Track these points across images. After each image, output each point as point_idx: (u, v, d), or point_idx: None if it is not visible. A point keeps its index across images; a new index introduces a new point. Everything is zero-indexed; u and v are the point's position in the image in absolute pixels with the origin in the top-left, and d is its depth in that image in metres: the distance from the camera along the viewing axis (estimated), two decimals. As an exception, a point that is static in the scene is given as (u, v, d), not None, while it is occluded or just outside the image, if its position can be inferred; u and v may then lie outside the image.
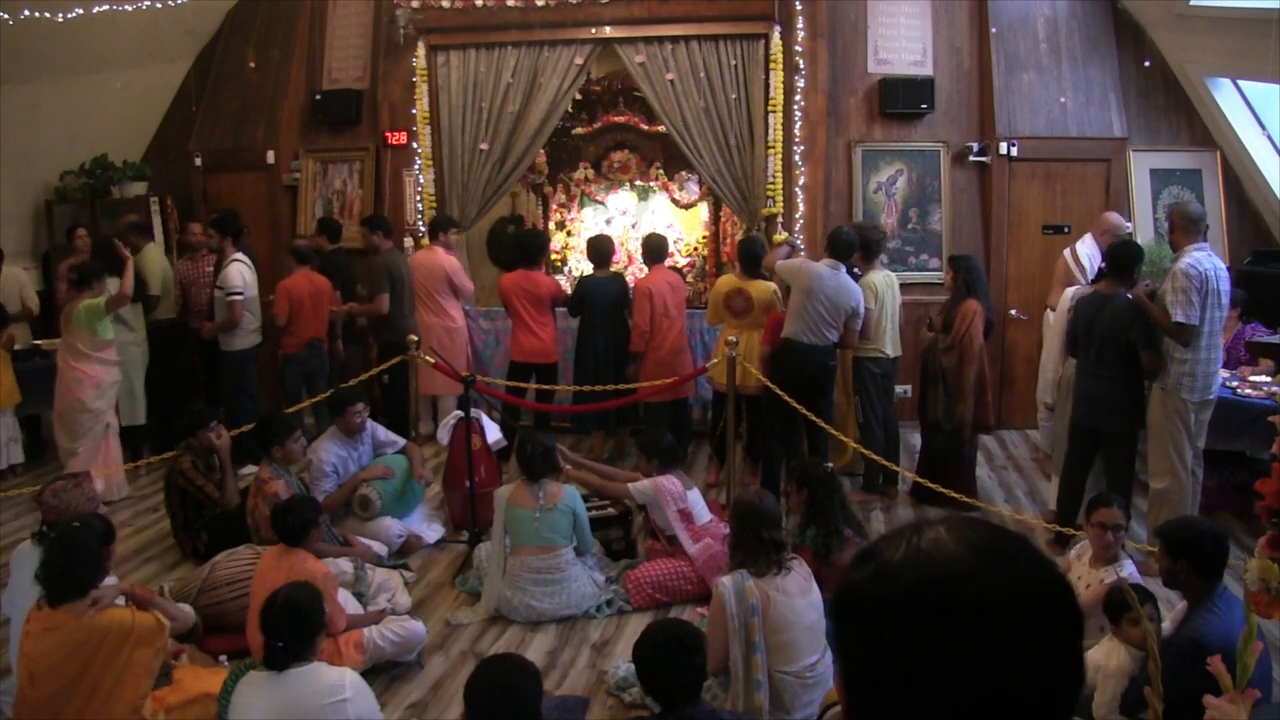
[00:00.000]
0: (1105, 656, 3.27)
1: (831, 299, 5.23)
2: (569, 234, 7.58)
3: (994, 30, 6.97)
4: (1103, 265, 5.04)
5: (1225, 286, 4.50)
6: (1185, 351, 4.48)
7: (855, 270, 5.70)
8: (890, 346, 5.59)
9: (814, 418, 5.25)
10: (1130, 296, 4.69)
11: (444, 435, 5.67)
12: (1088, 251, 5.91)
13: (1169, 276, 4.53)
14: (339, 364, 6.80)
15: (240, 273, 6.26)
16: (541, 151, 7.21)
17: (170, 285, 6.72)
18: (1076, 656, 0.86)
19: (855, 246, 5.50)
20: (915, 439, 5.94)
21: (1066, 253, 6.02)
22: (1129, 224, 6.81)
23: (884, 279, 5.54)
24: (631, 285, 6.51)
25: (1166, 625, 3.28)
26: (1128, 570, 3.60)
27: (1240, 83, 6.53)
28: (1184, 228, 4.57)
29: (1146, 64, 6.89)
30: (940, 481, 5.11)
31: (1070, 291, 5.39)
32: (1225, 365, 5.40)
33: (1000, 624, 0.81)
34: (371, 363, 6.66)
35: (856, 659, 0.88)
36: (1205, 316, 4.43)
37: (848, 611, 0.89)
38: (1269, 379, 5.24)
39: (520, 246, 6.60)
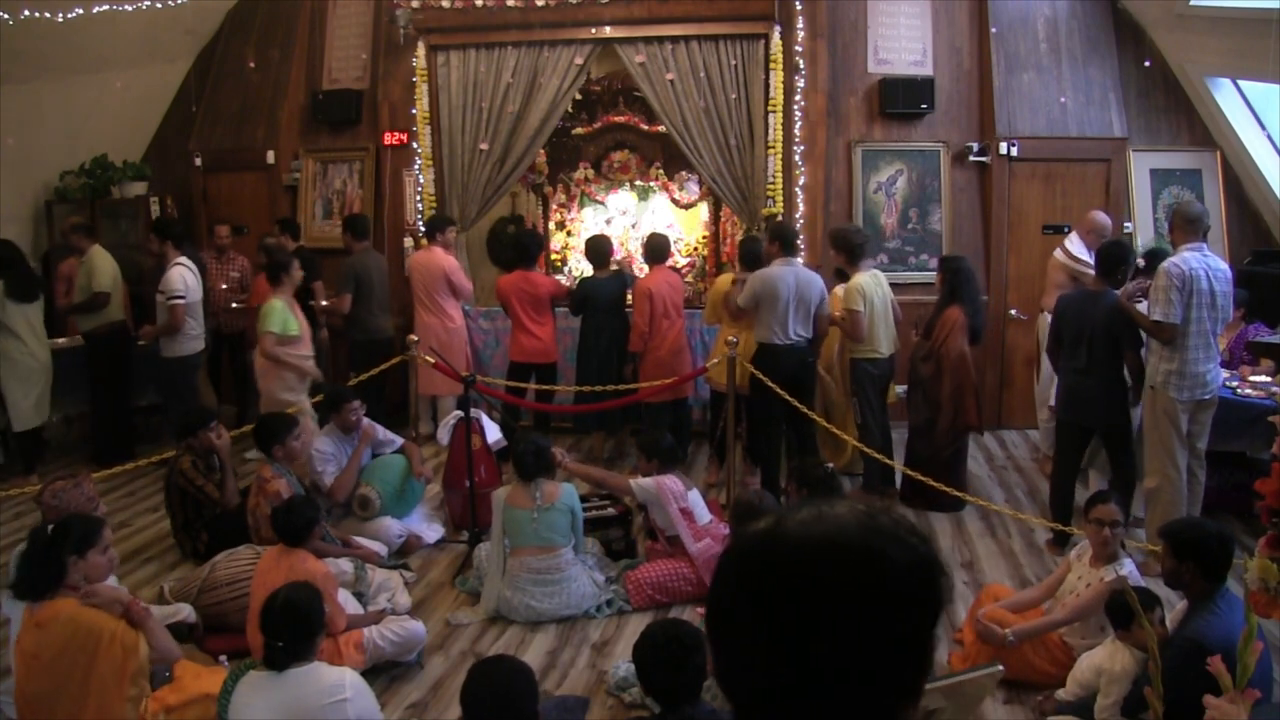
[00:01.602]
0: (1109, 659, 3.27)
1: (800, 295, 5.27)
2: (569, 234, 7.58)
3: (994, 30, 6.96)
4: None
5: (1221, 287, 4.45)
6: (1171, 350, 4.46)
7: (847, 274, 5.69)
8: (886, 345, 5.59)
9: (812, 415, 5.25)
10: (1115, 295, 4.75)
11: (444, 435, 5.67)
12: (1078, 251, 5.89)
13: (1155, 275, 4.54)
14: (323, 352, 6.83)
15: (182, 276, 6.11)
16: (541, 151, 7.21)
17: (119, 287, 6.46)
18: (928, 637, 0.89)
19: (796, 235, 5.68)
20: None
21: (1059, 254, 5.96)
22: (1128, 224, 6.83)
23: (871, 279, 5.51)
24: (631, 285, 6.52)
25: (1167, 625, 3.28)
26: (1127, 569, 3.60)
27: (1240, 83, 6.53)
28: (1182, 227, 4.56)
29: (1146, 64, 6.89)
30: (924, 484, 5.16)
31: None
32: (1228, 365, 5.41)
33: (868, 591, 0.84)
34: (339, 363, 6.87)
35: (729, 609, 0.90)
36: (1192, 316, 4.40)
37: (731, 563, 0.91)
38: (1269, 379, 5.24)
39: (517, 247, 6.61)
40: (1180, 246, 4.53)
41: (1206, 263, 4.45)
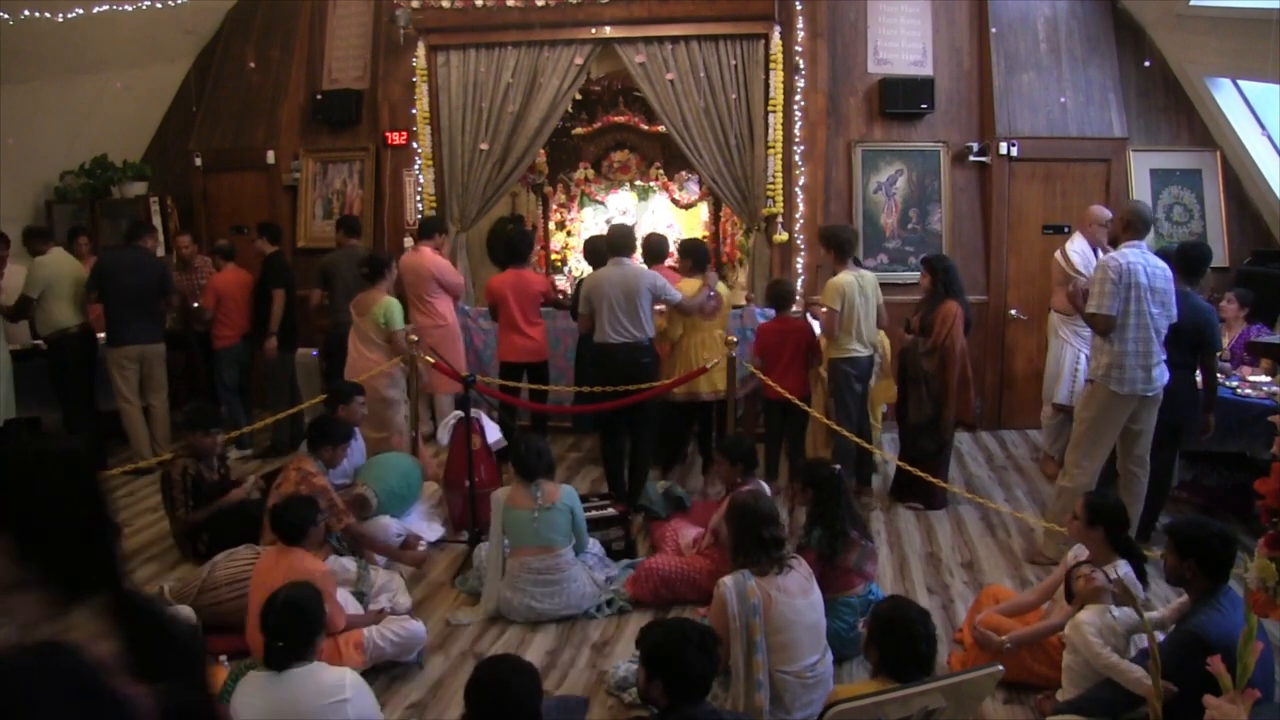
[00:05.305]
0: (1069, 629, 3.34)
1: (625, 290, 5.31)
2: (569, 234, 7.58)
3: (994, 30, 6.97)
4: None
5: (1162, 285, 4.48)
6: (1109, 343, 4.51)
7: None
8: (865, 346, 5.52)
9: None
10: (1197, 296, 4.84)
11: (444, 435, 5.67)
12: (1079, 249, 5.87)
13: (1095, 268, 4.64)
14: (270, 365, 6.83)
15: None
16: (541, 151, 7.21)
17: (61, 292, 6.19)
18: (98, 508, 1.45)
19: (632, 238, 5.65)
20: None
21: (1058, 255, 5.97)
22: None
23: (853, 279, 5.46)
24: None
25: (1162, 612, 3.32)
26: (1123, 570, 3.60)
27: (1240, 83, 6.53)
28: (1135, 226, 4.58)
29: (1146, 64, 6.89)
30: (918, 481, 5.21)
31: None
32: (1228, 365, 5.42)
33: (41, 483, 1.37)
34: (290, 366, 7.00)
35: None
36: (1131, 309, 4.43)
37: None
38: (1269, 379, 5.24)
39: (508, 246, 6.58)
40: (1122, 244, 4.58)
41: (1145, 259, 4.51)
